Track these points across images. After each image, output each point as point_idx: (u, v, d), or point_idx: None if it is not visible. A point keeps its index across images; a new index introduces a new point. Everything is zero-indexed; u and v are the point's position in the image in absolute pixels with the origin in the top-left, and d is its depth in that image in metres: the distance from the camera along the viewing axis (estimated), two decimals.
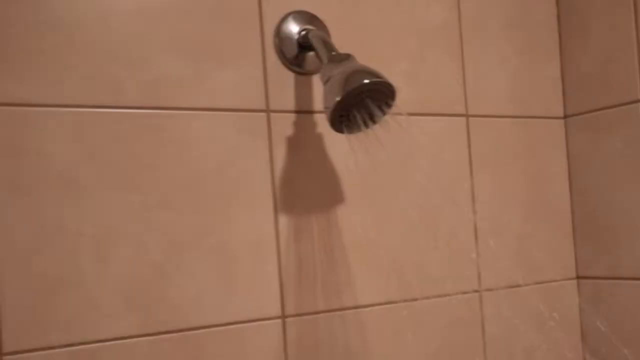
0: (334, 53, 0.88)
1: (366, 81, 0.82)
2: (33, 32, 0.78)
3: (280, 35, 0.93)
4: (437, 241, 1.04)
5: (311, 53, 0.94)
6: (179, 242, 0.85)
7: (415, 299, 1.01)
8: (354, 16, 0.99)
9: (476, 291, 1.06)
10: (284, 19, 0.94)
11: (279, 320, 0.91)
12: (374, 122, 0.86)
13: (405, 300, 1.00)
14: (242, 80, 0.90)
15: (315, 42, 0.91)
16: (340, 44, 0.96)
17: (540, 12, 1.16)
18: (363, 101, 0.85)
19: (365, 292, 0.97)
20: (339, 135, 0.94)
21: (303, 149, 0.94)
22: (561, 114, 1.17)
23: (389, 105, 0.87)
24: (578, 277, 1.17)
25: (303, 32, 0.93)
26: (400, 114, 0.87)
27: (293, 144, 0.93)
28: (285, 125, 0.93)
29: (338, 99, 0.81)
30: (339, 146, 0.96)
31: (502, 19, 1.13)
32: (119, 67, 0.83)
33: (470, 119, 1.08)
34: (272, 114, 0.92)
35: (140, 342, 0.82)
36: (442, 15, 1.07)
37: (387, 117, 0.87)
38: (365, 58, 0.98)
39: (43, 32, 0.79)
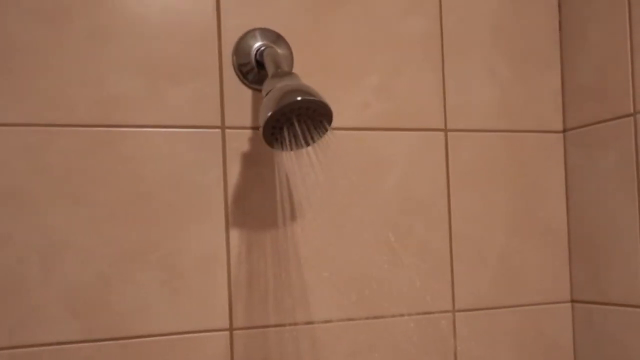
0: (278, 70, 0.89)
1: (299, 99, 0.82)
2: None
3: (238, 53, 0.95)
4: (406, 258, 1.02)
5: None
6: (126, 254, 0.89)
7: (378, 317, 1.00)
8: (321, 31, 0.99)
9: (448, 312, 1.04)
10: (243, 37, 0.95)
11: (227, 333, 0.93)
12: (312, 141, 0.87)
13: (366, 318, 0.99)
14: (197, 97, 0.93)
15: (265, 59, 0.92)
16: (305, 61, 0.98)
17: (538, 18, 1.11)
18: (304, 120, 0.86)
19: (321, 308, 0.97)
20: (297, 151, 0.95)
21: (259, 165, 0.95)
22: (560, 127, 1.11)
23: (326, 127, 0.87)
24: (573, 301, 1.10)
25: (259, 50, 0.95)
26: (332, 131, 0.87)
27: (248, 160, 0.95)
28: (241, 141, 0.94)
29: (269, 114, 0.82)
30: (299, 160, 0.97)
31: (492, 27, 1.08)
32: (73, 87, 0.88)
33: (450, 133, 1.05)
34: (227, 131, 0.94)
35: (83, 347, 0.87)
36: (421, 26, 1.04)
37: (323, 138, 0.87)
38: (332, 73, 0.99)
39: (4, 56, 0.85)
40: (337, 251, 0.99)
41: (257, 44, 0.95)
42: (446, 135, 1.05)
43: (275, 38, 0.97)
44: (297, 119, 0.85)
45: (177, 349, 0.91)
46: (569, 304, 1.11)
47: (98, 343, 0.87)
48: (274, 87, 0.85)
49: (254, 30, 0.96)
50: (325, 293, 0.98)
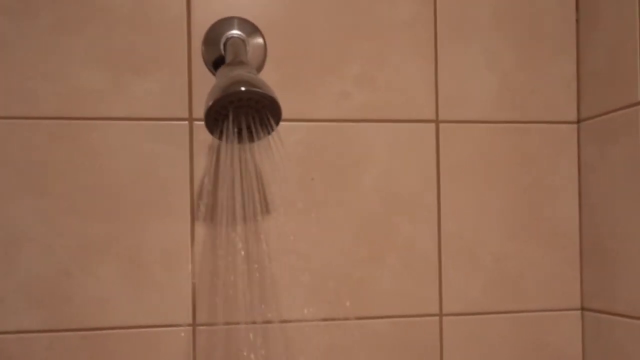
0: (235, 59, 0.85)
1: (242, 89, 0.79)
2: None
3: (207, 43, 0.92)
4: (389, 257, 0.96)
5: None
6: (87, 246, 0.89)
7: (356, 318, 0.95)
8: (298, 18, 0.95)
9: (434, 315, 0.97)
10: (213, 26, 0.93)
11: (190, 328, 0.91)
12: (257, 138, 0.83)
13: (342, 319, 0.95)
14: (164, 88, 0.91)
15: (227, 49, 0.89)
16: (281, 50, 0.94)
17: None
18: (251, 114, 0.82)
19: (291, 306, 0.93)
20: (271, 142, 0.92)
21: (227, 158, 0.92)
22: (574, 117, 1.01)
23: (276, 121, 0.83)
24: (583, 309, 1.00)
25: (227, 39, 0.92)
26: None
27: (217, 153, 0.92)
28: (209, 134, 0.92)
29: (210, 103, 0.79)
30: (272, 154, 0.93)
31: (495, 9, 0.99)
32: (36, 80, 0.89)
33: (442, 125, 0.97)
34: (195, 123, 0.92)
35: (44, 336, 0.88)
36: (411, 10, 0.97)
37: (269, 136, 0.84)
38: (309, 62, 0.95)
39: None
40: (311, 248, 0.94)
41: (227, 34, 0.93)
42: (437, 127, 0.98)
43: (248, 27, 0.93)
44: (245, 112, 0.82)
45: (137, 342, 0.90)
46: (579, 312, 1.00)
47: (58, 333, 0.88)
48: (226, 76, 0.82)
49: (224, 19, 0.93)
50: (296, 291, 0.94)
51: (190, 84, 0.92)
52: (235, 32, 0.93)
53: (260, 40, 0.93)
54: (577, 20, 1.01)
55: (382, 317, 0.96)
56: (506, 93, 0.99)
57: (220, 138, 0.83)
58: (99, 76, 0.90)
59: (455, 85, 0.98)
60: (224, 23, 0.93)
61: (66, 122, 0.89)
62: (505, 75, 0.99)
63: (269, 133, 0.84)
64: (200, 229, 0.92)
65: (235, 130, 0.82)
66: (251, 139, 0.84)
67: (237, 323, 0.91)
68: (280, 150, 0.89)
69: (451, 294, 0.97)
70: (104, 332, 0.89)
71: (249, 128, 0.83)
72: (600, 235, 0.96)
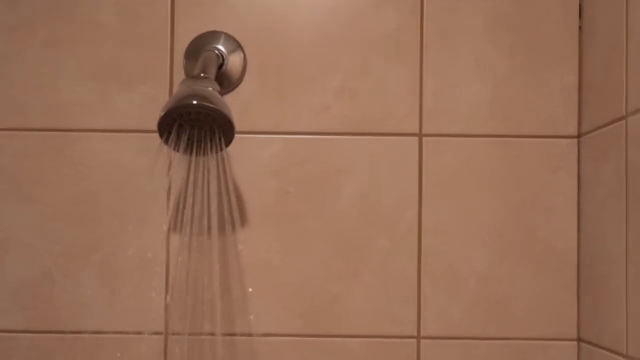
0: (200, 74, 0.86)
1: (194, 103, 0.80)
2: None
3: (189, 56, 0.94)
4: (365, 274, 0.93)
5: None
6: (69, 252, 0.94)
7: (327, 336, 0.93)
8: (278, 31, 0.95)
9: (411, 338, 0.92)
10: (194, 40, 0.95)
11: (162, 337, 0.93)
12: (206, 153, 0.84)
13: (313, 336, 0.93)
14: (147, 101, 0.94)
15: (199, 61, 0.90)
16: (260, 63, 0.95)
17: (552, 5, 0.94)
18: (205, 129, 0.83)
19: (262, 320, 0.93)
20: (247, 155, 0.94)
21: (204, 171, 0.93)
22: (574, 132, 0.93)
23: (227, 139, 0.83)
24: (580, 340, 0.92)
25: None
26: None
27: (194, 165, 0.93)
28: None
29: (163, 113, 0.81)
30: (248, 167, 0.94)
31: (487, 17, 0.94)
32: (28, 93, 0.94)
33: (426, 139, 0.94)
34: None
35: (25, 337, 0.93)
36: (395, 18, 0.94)
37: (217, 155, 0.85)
38: (289, 75, 0.95)
39: None
40: (285, 263, 0.93)
41: (206, 48, 0.94)
42: (421, 141, 0.94)
43: (229, 40, 0.94)
44: (198, 125, 0.83)
45: (111, 347, 0.93)
46: (575, 343, 0.92)
47: (38, 335, 0.93)
48: (183, 88, 0.83)
49: (206, 33, 0.94)
50: (268, 305, 0.93)
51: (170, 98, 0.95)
52: (216, 46, 0.94)
53: (240, 53, 0.94)
54: (581, 28, 0.94)
55: (356, 337, 0.93)
56: (499, 104, 0.94)
57: (175, 148, 0.84)
58: (87, 89, 0.95)
59: (443, 97, 0.94)
60: (206, 37, 0.95)
61: (54, 134, 0.94)
62: (498, 85, 0.94)
63: (219, 151, 0.84)
64: (176, 239, 0.94)
65: (187, 142, 0.83)
66: (205, 153, 0.85)
67: (209, 334, 0.92)
68: (259, 164, 0.90)
69: (431, 316, 0.93)
70: (81, 335, 0.93)
71: (204, 142, 0.84)
72: (597, 259, 0.88)
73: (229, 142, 0.84)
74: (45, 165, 0.94)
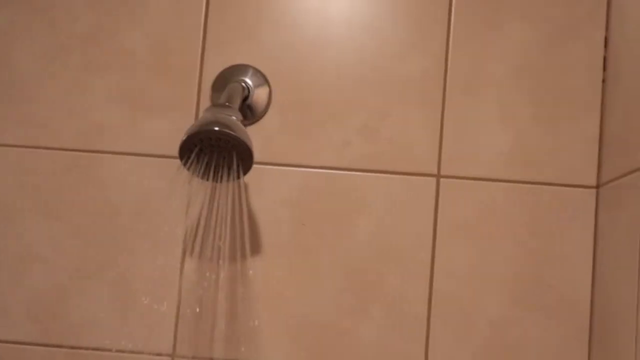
0: (225, 102, 0.89)
1: (215, 129, 0.82)
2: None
3: (215, 87, 0.97)
4: (375, 310, 0.93)
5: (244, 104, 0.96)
6: (85, 269, 0.96)
7: None
8: (305, 68, 0.97)
9: None
10: (222, 72, 0.98)
11: (169, 358, 0.94)
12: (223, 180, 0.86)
13: None
14: (172, 128, 0.97)
15: (224, 91, 0.93)
16: (286, 97, 0.97)
17: (577, 57, 0.95)
18: (225, 156, 0.85)
19: (272, 350, 0.93)
20: (266, 186, 0.95)
21: (223, 198, 0.95)
22: (592, 182, 0.93)
23: (245, 166, 0.85)
24: None
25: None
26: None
27: (213, 192, 0.95)
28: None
29: (184, 137, 0.83)
30: (266, 197, 0.95)
31: (513, 66, 0.96)
32: (61, 115, 0.98)
33: (443, 180, 0.94)
34: None
35: (38, 349, 0.95)
36: (420, 64, 0.96)
37: (234, 181, 0.87)
38: (313, 111, 0.98)
39: (7, 86, 0.99)
40: (295, 294, 0.94)
41: (233, 80, 0.97)
42: (438, 182, 0.95)
43: (255, 74, 0.97)
44: (219, 152, 0.85)
45: None
46: None
47: (50, 348, 0.95)
48: (206, 115, 0.86)
49: (233, 66, 0.98)
50: (275, 335, 0.94)
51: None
52: (242, 78, 0.97)
53: (266, 87, 0.97)
54: (604, 80, 0.95)
55: None
56: (519, 151, 0.95)
57: (194, 172, 0.86)
58: (115, 114, 0.98)
59: (463, 140, 0.95)
60: (233, 70, 0.98)
61: (81, 154, 0.98)
62: (520, 133, 0.95)
63: (235, 178, 0.86)
64: (190, 264, 0.95)
65: (207, 167, 0.85)
66: (226, 179, 0.87)
67: (215, 359, 0.93)
68: (279, 195, 0.92)
69: (438, 357, 0.92)
70: (90, 352, 0.95)
71: (224, 169, 0.86)
72: (610, 311, 0.87)
73: (246, 171, 0.86)
74: (69, 184, 0.97)
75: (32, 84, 0.99)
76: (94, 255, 0.96)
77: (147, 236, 0.96)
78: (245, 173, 0.86)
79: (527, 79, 0.96)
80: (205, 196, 0.95)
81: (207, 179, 0.86)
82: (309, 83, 0.97)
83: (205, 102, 0.98)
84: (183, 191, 0.95)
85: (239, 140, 0.82)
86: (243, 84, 0.96)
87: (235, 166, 0.85)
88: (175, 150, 0.95)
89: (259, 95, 0.97)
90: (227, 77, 0.97)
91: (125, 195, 0.97)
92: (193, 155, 0.83)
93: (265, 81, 0.97)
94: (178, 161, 0.94)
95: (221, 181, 0.87)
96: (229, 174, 0.86)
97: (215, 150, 0.85)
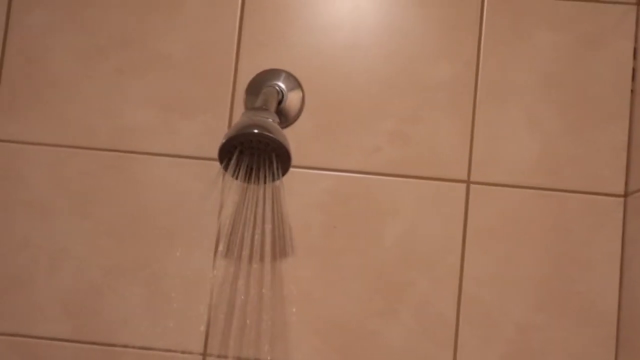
0: (261, 106, 0.91)
1: (255, 131, 0.84)
2: (37, 87, 1.00)
3: (249, 91, 0.99)
4: (403, 314, 0.94)
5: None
6: (119, 267, 0.97)
7: None
8: (337, 73, 0.99)
9: None
10: (256, 76, 0.99)
11: (200, 357, 0.95)
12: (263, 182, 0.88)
13: None
14: (206, 131, 0.99)
15: (260, 95, 0.95)
16: (317, 101, 0.99)
17: (606, 66, 0.96)
18: (263, 159, 0.87)
19: (301, 350, 0.95)
20: (298, 188, 0.97)
21: (255, 200, 0.96)
22: (621, 190, 0.94)
23: (284, 168, 0.87)
24: None
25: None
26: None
27: (246, 193, 0.97)
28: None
29: (224, 140, 0.85)
30: (297, 199, 0.97)
31: (542, 75, 0.97)
32: (96, 115, 1.00)
33: (473, 186, 0.96)
34: None
35: (70, 346, 0.96)
36: (451, 70, 0.98)
37: (274, 183, 0.88)
38: (344, 116, 0.99)
39: (44, 86, 1.00)
40: (325, 296, 0.96)
41: (267, 84, 0.99)
42: (468, 188, 0.96)
43: (289, 79, 0.99)
44: (259, 154, 0.86)
45: None
46: None
47: (83, 345, 0.96)
48: (243, 118, 0.88)
49: (267, 70, 0.99)
50: (306, 336, 0.95)
51: (230, 127, 0.99)
52: (276, 82, 0.99)
53: (299, 91, 0.99)
54: (632, 91, 0.96)
55: None
56: (547, 158, 0.96)
57: (233, 175, 0.88)
58: (151, 115, 1.00)
59: (492, 147, 0.97)
60: (267, 74, 0.99)
61: (116, 154, 0.99)
62: (548, 140, 0.96)
63: (274, 180, 0.87)
64: (222, 264, 0.97)
65: (247, 169, 0.87)
66: (262, 181, 0.88)
67: (246, 359, 0.94)
68: (310, 198, 0.94)
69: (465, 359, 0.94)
70: (122, 349, 0.96)
71: (261, 171, 0.88)
72: (637, 319, 0.88)
73: (284, 173, 0.88)
74: (104, 183, 0.99)
75: (69, 84, 1.00)
76: (128, 254, 0.98)
77: (180, 236, 0.97)
78: (282, 175, 0.87)
79: (556, 88, 0.97)
80: (238, 197, 0.97)
81: (245, 181, 0.88)
82: (340, 87, 0.99)
83: (239, 104, 0.99)
84: (217, 192, 0.98)
85: (278, 142, 0.84)
86: (277, 88, 0.97)
87: (273, 168, 0.86)
88: (209, 152, 0.98)
89: (292, 100, 0.98)
90: (261, 81, 0.99)
91: (159, 196, 0.99)
92: (234, 158, 0.85)
93: (299, 85, 0.99)
94: (211, 163, 0.98)
95: (258, 183, 0.88)
96: (266, 177, 0.87)
97: (255, 153, 0.86)
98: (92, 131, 1.00)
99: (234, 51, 1.00)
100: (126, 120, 1.00)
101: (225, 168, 0.86)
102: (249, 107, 0.99)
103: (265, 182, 0.88)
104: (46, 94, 1.01)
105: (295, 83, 0.99)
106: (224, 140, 0.85)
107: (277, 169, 0.86)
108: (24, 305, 0.98)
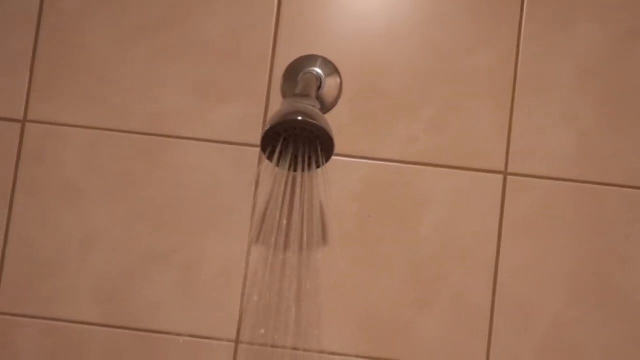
0: (303, 92, 0.90)
1: (299, 118, 0.83)
2: (72, 69, 0.99)
3: (287, 77, 0.98)
4: (438, 305, 0.94)
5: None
6: (151, 253, 0.97)
7: None
8: (375, 60, 0.98)
9: None
10: (293, 62, 0.98)
11: (232, 344, 0.95)
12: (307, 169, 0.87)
13: (381, 359, 0.94)
14: (242, 116, 0.98)
15: (299, 82, 0.94)
16: (355, 89, 0.98)
17: None
18: (307, 146, 0.86)
19: (335, 339, 0.94)
20: (333, 177, 0.96)
21: (291, 187, 0.96)
22: None
23: (327, 156, 0.86)
24: None
25: (302, 75, 0.97)
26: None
27: (281, 181, 0.96)
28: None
29: (267, 127, 0.84)
30: (333, 188, 0.96)
31: (579, 66, 0.96)
32: (131, 99, 0.99)
33: (510, 177, 0.95)
34: None
35: (101, 330, 0.96)
36: (490, 60, 0.97)
37: (317, 170, 0.87)
38: (381, 104, 0.98)
39: (79, 69, 0.99)
40: (359, 285, 0.95)
41: (305, 70, 0.98)
42: (505, 179, 0.96)
43: (327, 65, 0.98)
44: (302, 142, 0.85)
45: (182, 350, 0.95)
46: None
47: (115, 330, 0.96)
48: (285, 105, 0.87)
49: (305, 56, 0.98)
50: (340, 326, 0.95)
51: (266, 114, 0.98)
52: (314, 69, 0.98)
53: (337, 78, 0.98)
54: None
55: None
56: (584, 151, 0.95)
57: (275, 162, 0.87)
58: (186, 99, 0.99)
59: (530, 138, 0.96)
60: (305, 60, 0.98)
61: (151, 138, 0.98)
62: (585, 133, 0.96)
63: (318, 167, 0.86)
64: (256, 251, 0.96)
65: (289, 157, 0.86)
66: (304, 169, 0.87)
67: (279, 347, 0.94)
68: (345, 186, 0.93)
69: (500, 352, 0.93)
70: (154, 335, 0.95)
71: (303, 158, 0.87)
72: None
73: (327, 160, 0.87)
74: (138, 168, 0.98)
75: (104, 66, 0.99)
76: (161, 239, 0.97)
77: (215, 222, 0.97)
78: (326, 162, 0.86)
79: (595, 79, 0.97)
80: (274, 184, 0.97)
81: (287, 169, 0.87)
82: (378, 75, 0.98)
83: (276, 90, 0.98)
84: (252, 179, 0.97)
85: (322, 130, 0.83)
86: (316, 74, 0.96)
87: (316, 156, 0.85)
88: (244, 138, 0.97)
89: (330, 87, 0.97)
90: (299, 67, 0.98)
91: (193, 181, 0.98)
92: (279, 146, 0.84)
93: (337, 72, 0.98)
94: (247, 148, 0.98)
95: (302, 171, 0.87)
96: (308, 164, 0.86)
97: (299, 140, 0.85)
98: (127, 114, 0.99)
99: (272, 36, 0.99)
100: (161, 104, 0.99)
101: (269, 156, 0.86)
102: (287, 93, 0.98)
103: (307, 170, 0.87)
104: (80, 76, 0.99)
105: (333, 70, 0.98)
106: (267, 128, 0.84)
107: (321, 156, 0.85)
108: (55, 290, 0.97)
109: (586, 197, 0.95)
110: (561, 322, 0.94)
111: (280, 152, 0.86)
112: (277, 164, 0.86)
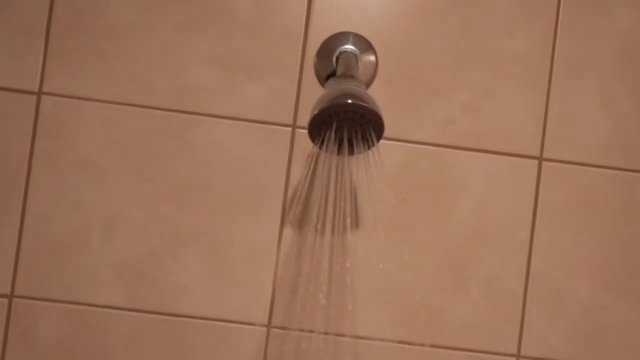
0: (347, 72, 0.87)
1: (349, 101, 0.80)
2: (90, 37, 0.93)
3: (321, 54, 0.94)
4: (471, 289, 0.94)
5: None
6: (178, 234, 0.93)
7: (431, 346, 0.93)
8: (411, 41, 0.95)
9: (511, 355, 0.93)
10: (328, 39, 0.94)
11: (264, 329, 0.93)
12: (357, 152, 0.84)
13: (418, 344, 0.93)
14: (273, 94, 0.94)
15: (339, 62, 0.91)
16: (391, 69, 0.95)
17: None
18: (354, 128, 0.83)
19: (368, 324, 0.93)
20: (371, 160, 0.93)
21: (324, 168, 0.93)
22: None
23: (377, 137, 0.83)
24: None
25: (339, 54, 0.94)
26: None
27: (314, 162, 0.93)
28: (309, 142, 0.92)
29: (316, 112, 0.81)
30: (365, 170, 0.94)
31: (616, 51, 0.96)
32: (156, 73, 0.93)
33: (545, 163, 0.95)
34: (297, 130, 0.94)
35: (125, 314, 0.92)
36: (527, 43, 0.95)
37: (368, 152, 0.84)
38: (418, 85, 0.95)
39: (98, 38, 0.93)
40: (393, 269, 0.94)
41: (340, 48, 0.95)
42: (540, 164, 0.95)
43: (362, 43, 0.94)
44: (348, 125, 0.83)
45: (212, 334, 0.92)
46: None
47: (140, 313, 0.92)
48: (334, 87, 0.83)
49: (340, 33, 0.95)
50: (374, 310, 0.93)
51: (299, 92, 0.95)
52: (349, 47, 0.94)
53: (372, 57, 0.95)
54: None
55: (457, 349, 0.93)
56: (619, 138, 0.95)
57: (320, 147, 0.84)
58: (214, 75, 0.94)
59: (565, 124, 0.95)
60: (339, 37, 0.95)
61: (176, 115, 0.94)
62: (620, 119, 0.96)
63: (368, 148, 0.84)
64: (288, 234, 0.94)
65: (336, 141, 0.83)
66: (351, 152, 0.85)
67: (311, 331, 0.92)
68: (377, 168, 0.90)
69: (532, 337, 0.94)
70: (181, 319, 0.92)
71: (350, 141, 0.84)
72: None
73: (378, 140, 0.84)
74: (163, 145, 0.94)
75: (125, 37, 0.93)
76: (188, 220, 0.93)
77: (245, 203, 0.93)
78: (377, 142, 0.84)
79: (633, 65, 0.96)
80: (306, 166, 0.94)
81: (335, 153, 0.84)
82: (413, 56, 0.95)
83: (308, 68, 0.94)
84: (283, 159, 0.94)
85: (374, 113, 0.80)
86: (353, 52, 0.93)
87: (367, 137, 0.82)
88: (275, 117, 0.94)
89: (366, 66, 0.94)
90: (334, 45, 0.94)
91: (221, 161, 0.94)
92: (332, 131, 0.81)
93: (372, 50, 0.95)
94: (278, 128, 0.95)
95: (349, 154, 0.84)
96: (350, 146, 0.84)
97: (345, 123, 0.82)
98: (151, 89, 0.94)
99: (305, 11, 0.95)
100: (188, 78, 0.94)
101: (319, 141, 0.82)
102: (319, 71, 0.94)
103: (356, 153, 0.84)
104: (100, 46, 0.93)
105: (369, 48, 0.95)
106: (315, 112, 0.80)
107: (371, 139, 0.83)
108: (77, 272, 0.92)
109: (621, 184, 0.95)
110: (593, 308, 0.95)
111: (331, 136, 0.83)
112: (325, 148, 0.83)
